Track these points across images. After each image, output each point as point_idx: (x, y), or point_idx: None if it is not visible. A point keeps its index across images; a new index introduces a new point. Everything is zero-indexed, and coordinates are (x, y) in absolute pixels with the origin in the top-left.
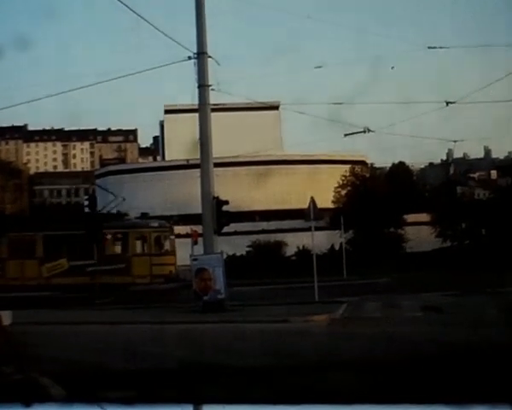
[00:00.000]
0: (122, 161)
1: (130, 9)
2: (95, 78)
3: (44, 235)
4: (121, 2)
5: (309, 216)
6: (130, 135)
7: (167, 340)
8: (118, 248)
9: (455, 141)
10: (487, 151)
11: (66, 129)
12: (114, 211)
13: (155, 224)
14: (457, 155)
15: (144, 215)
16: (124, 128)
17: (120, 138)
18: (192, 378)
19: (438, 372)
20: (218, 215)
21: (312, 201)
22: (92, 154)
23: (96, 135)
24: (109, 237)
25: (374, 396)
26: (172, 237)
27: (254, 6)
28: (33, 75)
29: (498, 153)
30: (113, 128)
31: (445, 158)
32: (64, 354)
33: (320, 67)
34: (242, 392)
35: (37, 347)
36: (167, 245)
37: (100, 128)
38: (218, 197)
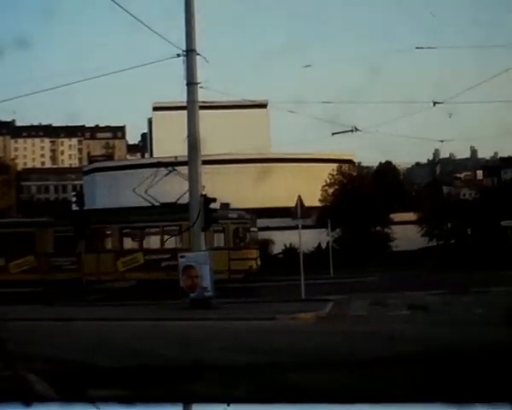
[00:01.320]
0: (110, 157)
1: (120, 6)
2: (83, 74)
3: (120, 228)
4: (111, 0)
5: (296, 214)
6: (118, 132)
7: (153, 337)
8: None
9: (441, 141)
10: (473, 151)
11: (54, 125)
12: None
13: (234, 215)
14: (444, 155)
15: (224, 206)
16: (112, 125)
17: (108, 135)
18: (178, 376)
19: (421, 371)
20: (206, 213)
21: (299, 199)
22: (80, 150)
23: (84, 131)
24: (184, 229)
25: (374, 396)
26: (254, 229)
27: (245, 5)
28: (21, 72)
29: (484, 153)
30: (101, 125)
31: (431, 158)
32: (50, 351)
33: (309, 66)
34: (228, 389)
35: (22, 344)
36: (248, 238)
37: (88, 125)
38: (205, 195)
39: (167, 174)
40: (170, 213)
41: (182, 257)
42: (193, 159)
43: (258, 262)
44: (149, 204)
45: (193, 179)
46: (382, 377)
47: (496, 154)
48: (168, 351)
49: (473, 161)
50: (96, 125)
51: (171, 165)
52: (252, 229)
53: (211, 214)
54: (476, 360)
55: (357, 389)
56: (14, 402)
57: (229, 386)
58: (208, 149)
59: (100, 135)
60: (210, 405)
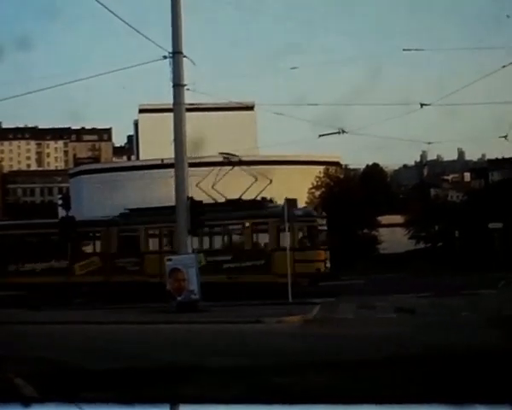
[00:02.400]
0: (96, 160)
1: (106, 8)
2: (69, 76)
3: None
4: (97, 2)
5: (283, 217)
6: (104, 134)
7: (140, 340)
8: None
9: (429, 143)
10: (461, 153)
11: (40, 127)
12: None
13: (299, 212)
14: (431, 157)
15: (291, 202)
16: (98, 127)
17: (95, 137)
18: (165, 378)
19: (406, 373)
20: (193, 215)
21: (287, 202)
22: (66, 153)
23: (70, 134)
24: (248, 227)
25: (374, 396)
26: (323, 227)
27: (230, 6)
28: (5, 74)
29: (472, 155)
30: (87, 127)
31: (418, 160)
32: (37, 353)
33: (295, 68)
34: (214, 392)
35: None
36: (315, 237)
37: (74, 127)
38: (192, 197)
39: (232, 169)
40: (233, 210)
41: (169, 260)
42: (179, 161)
43: (328, 264)
44: (213, 201)
45: (179, 182)
46: (366, 379)
47: (483, 156)
48: (154, 354)
49: (460, 163)
50: (82, 128)
51: (157, 167)
52: (320, 228)
53: (198, 217)
54: (461, 363)
55: (342, 391)
56: (13, 402)
57: (214, 388)
58: (195, 151)
59: (86, 137)
60: (197, 405)
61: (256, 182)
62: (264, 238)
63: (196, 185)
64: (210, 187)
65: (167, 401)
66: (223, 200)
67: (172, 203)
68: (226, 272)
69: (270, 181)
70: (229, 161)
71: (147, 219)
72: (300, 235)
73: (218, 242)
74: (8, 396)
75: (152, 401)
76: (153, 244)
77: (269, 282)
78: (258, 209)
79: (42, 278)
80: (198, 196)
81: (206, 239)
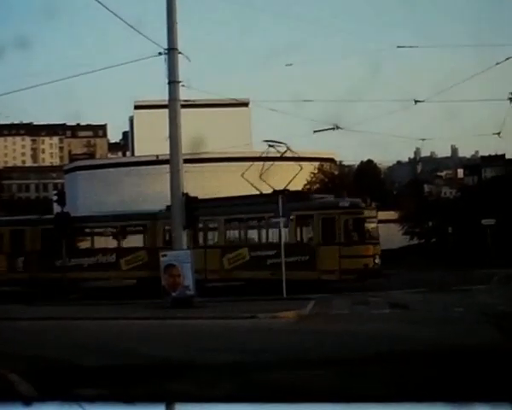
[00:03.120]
0: (91, 156)
1: (102, 4)
2: (65, 72)
3: (226, 219)
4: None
5: (278, 213)
6: (99, 130)
7: (135, 336)
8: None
9: (423, 139)
10: (454, 150)
11: (35, 123)
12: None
13: (346, 203)
14: (425, 153)
15: (341, 193)
16: (93, 123)
17: (90, 133)
18: (159, 374)
19: (398, 369)
20: (188, 211)
21: (282, 197)
22: (61, 149)
23: (65, 130)
24: (292, 220)
25: (374, 396)
26: (373, 219)
27: (226, 3)
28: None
29: (465, 152)
30: (82, 123)
31: (412, 156)
32: (31, 350)
33: (290, 64)
34: (208, 388)
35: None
36: (363, 231)
37: (69, 123)
38: (187, 193)
39: (280, 156)
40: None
41: (164, 256)
42: (174, 157)
43: (377, 260)
44: (257, 192)
45: (174, 178)
46: (358, 375)
47: (476, 153)
48: (148, 350)
49: (454, 160)
50: (77, 124)
51: (152, 163)
52: (368, 220)
53: (193, 213)
54: (452, 358)
55: (336, 387)
56: (13, 402)
57: (209, 385)
58: (190, 147)
59: (81, 133)
60: (193, 404)
61: (298, 171)
62: (308, 231)
63: (241, 176)
64: (258, 177)
65: (162, 400)
66: (269, 190)
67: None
68: (269, 268)
69: (301, 168)
70: (223, 157)
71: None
72: (346, 228)
73: (261, 236)
74: (7, 396)
75: (140, 399)
76: (198, 238)
77: (313, 279)
78: (302, 201)
79: (89, 274)
80: (243, 186)
81: (251, 233)
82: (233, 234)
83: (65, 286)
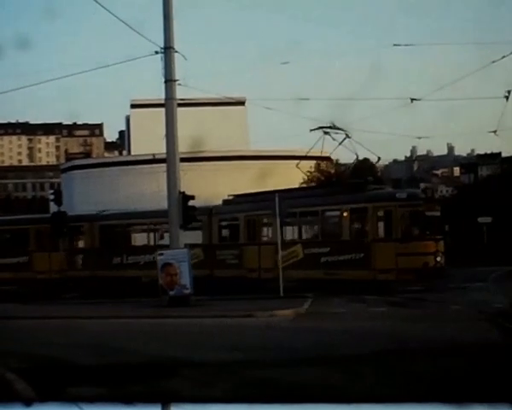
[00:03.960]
0: (88, 155)
1: (99, 4)
2: (61, 71)
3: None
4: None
5: (274, 212)
6: (95, 129)
7: (132, 335)
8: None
9: (419, 138)
10: (450, 148)
11: (32, 122)
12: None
13: (403, 194)
14: (421, 152)
15: (395, 182)
16: (90, 122)
17: (86, 132)
18: (154, 373)
19: (391, 367)
20: (184, 210)
21: (278, 197)
22: (58, 148)
23: (61, 129)
24: (346, 214)
25: (374, 396)
26: (434, 212)
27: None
28: None
29: (461, 150)
30: (78, 122)
31: (409, 155)
32: (27, 348)
33: (287, 62)
34: (204, 387)
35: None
36: (423, 225)
37: (65, 122)
38: (184, 192)
39: (342, 141)
40: (330, 194)
41: (160, 254)
42: (171, 156)
43: (439, 258)
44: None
45: (171, 176)
46: (352, 373)
47: (473, 151)
48: (145, 348)
49: (450, 158)
50: (74, 123)
51: (149, 162)
52: (429, 213)
53: (189, 211)
54: (443, 357)
55: (331, 384)
56: (13, 402)
57: (205, 383)
58: (187, 146)
59: (77, 132)
60: (188, 405)
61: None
62: (362, 226)
63: (296, 166)
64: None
65: (158, 400)
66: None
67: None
68: (323, 267)
69: (379, 158)
70: (219, 156)
71: (247, 206)
72: (404, 222)
73: (314, 232)
74: (7, 396)
75: (136, 398)
76: (252, 234)
77: (368, 279)
78: (357, 192)
79: (145, 272)
80: (241, 184)
81: (304, 229)
82: (287, 230)
83: (123, 285)
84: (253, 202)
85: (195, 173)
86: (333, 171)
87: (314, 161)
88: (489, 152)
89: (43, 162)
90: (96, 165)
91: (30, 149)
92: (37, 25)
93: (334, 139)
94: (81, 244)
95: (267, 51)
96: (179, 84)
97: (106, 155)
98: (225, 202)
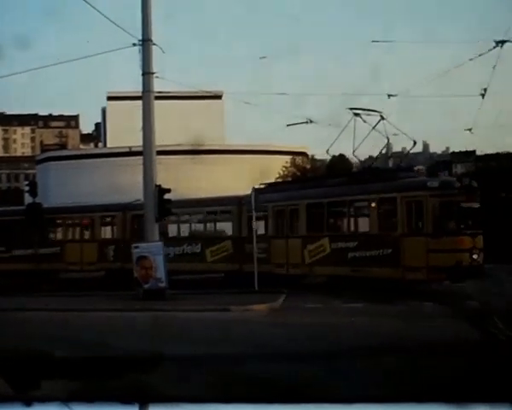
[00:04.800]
0: (63, 146)
1: None
2: (38, 62)
3: (308, 204)
4: None
5: (251, 206)
6: (71, 121)
7: (105, 328)
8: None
9: (394, 134)
10: (425, 146)
11: (7, 113)
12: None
13: (435, 183)
14: (396, 148)
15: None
16: (65, 114)
17: (62, 124)
18: (128, 367)
19: (359, 364)
20: (160, 203)
21: (254, 191)
22: (33, 139)
23: (37, 120)
24: (373, 204)
25: (374, 396)
26: (472, 204)
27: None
28: None
29: (436, 148)
30: (54, 113)
31: (384, 151)
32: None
33: (264, 57)
34: (180, 379)
35: None
36: (457, 218)
37: (41, 113)
38: (160, 185)
39: (377, 124)
40: (358, 182)
41: (136, 247)
42: (147, 149)
43: (476, 256)
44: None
45: (147, 170)
46: (323, 368)
47: (447, 149)
48: (118, 342)
49: (425, 156)
50: (50, 114)
51: (125, 155)
52: (465, 204)
53: (165, 205)
54: (396, 354)
55: (301, 379)
56: (13, 402)
57: (180, 378)
58: (162, 139)
59: (53, 124)
60: (166, 404)
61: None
62: (390, 218)
63: (326, 152)
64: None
65: (135, 398)
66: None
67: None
68: (350, 264)
69: (415, 143)
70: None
71: (276, 195)
72: (436, 214)
73: (342, 224)
74: (7, 396)
75: (105, 393)
76: (280, 227)
77: (396, 278)
78: (386, 180)
79: (174, 265)
80: (218, 178)
81: (331, 221)
82: (314, 222)
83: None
84: (283, 191)
85: (172, 166)
86: (308, 166)
87: (290, 156)
88: (463, 150)
89: (19, 153)
90: (71, 157)
91: (5, 139)
92: (10, 13)
93: (364, 121)
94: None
95: (245, 45)
96: (157, 77)
97: (81, 147)
98: (256, 191)
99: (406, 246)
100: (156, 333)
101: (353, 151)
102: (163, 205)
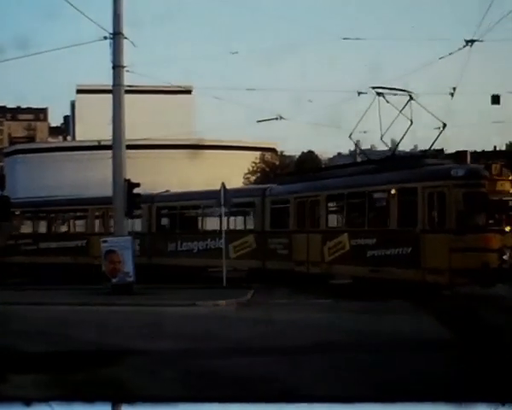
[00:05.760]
0: (32, 139)
1: None
2: (7, 53)
3: (328, 196)
4: None
5: (219, 201)
6: (40, 113)
7: (74, 322)
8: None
9: (364, 132)
10: (393, 143)
11: None
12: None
13: (460, 171)
14: (365, 146)
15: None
16: (34, 106)
17: (30, 117)
18: (95, 361)
19: (322, 360)
20: (129, 198)
21: (223, 186)
22: (1, 131)
23: (5, 112)
24: (393, 196)
25: (374, 396)
26: (503, 195)
27: None
28: None
29: (405, 146)
30: (23, 106)
31: (353, 149)
32: None
33: (236, 53)
34: (148, 374)
35: None
36: (485, 212)
37: (9, 106)
38: (129, 180)
39: (406, 104)
40: (378, 170)
41: (104, 242)
42: (117, 143)
43: (506, 256)
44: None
45: (117, 164)
46: (287, 363)
47: (415, 147)
48: (86, 336)
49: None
50: (18, 107)
51: (94, 148)
52: (495, 196)
53: (134, 199)
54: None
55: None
56: (13, 402)
57: (148, 372)
58: (131, 133)
59: (21, 116)
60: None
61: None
62: (408, 212)
63: (349, 137)
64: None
65: (109, 398)
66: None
67: None
68: (370, 263)
69: (444, 125)
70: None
71: (300, 186)
72: (460, 208)
73: (361, 218)
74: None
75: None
76: (301, 220)
77: (416, 280)
78: (408, 168)
79: (198, 260)
80: (187, 172)
81: (352, 214)
82: (334, 215)
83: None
84: (305, 180)
85: (140, 161)
86: (277, 162)
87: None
88: (432, 149)
89: None
90: (39, 150)
91: None
92: None
93: (387, 102)
94: (137, 228)
95: (217, 40)
96: (127, 71)
97: (50, 140)
98: (280, 180)
99: (427, 244)
100: (116, 327)
101: (381, 136)
102: (132, 199)
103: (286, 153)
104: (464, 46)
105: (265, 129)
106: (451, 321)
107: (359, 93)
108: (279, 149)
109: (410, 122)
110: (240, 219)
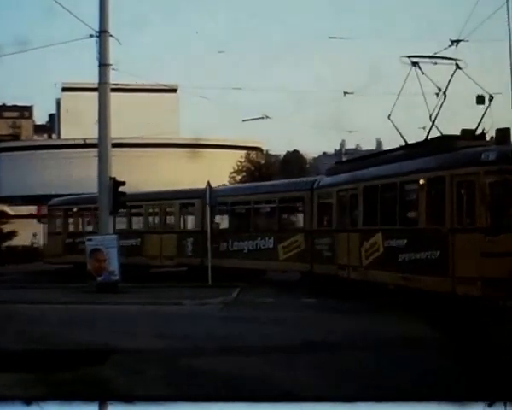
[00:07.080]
0: (16, 137)
1: None
2: None
3: (365, 188)
4: None
5: (205, 200)
6: (25, 111)
7: (57, 320)
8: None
9: (350, 131)
10: (379, 143)
11: None
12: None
13: (492, 155)
14: (350, 145)
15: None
16: (19, 104)
17: (15, 114)
18: (81, 359)
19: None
20: (115, 196)
21: (209, 185)
22: None
23: None
24: (422, 188)
25: (374, 396)
26: None
27: None
28: None
29: (389, 144)
30: (8, 103)
31: (338, 148)
32: None
33: (222, 51)
34: (133, 373)
35: None
36: None
37: None
38: (114, 178)
39: (453, 74)
40: (405, 157)
41: (89, 240)
42: (103, 141)
43: None
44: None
45: (102, 162)
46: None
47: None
48: (72, 334)
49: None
50: (3, 104)
51: (79, 147)
52: None
53: (120, 197)
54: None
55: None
56: (13, 402)
57: (133, 371)
58: (116, 131)
59: (6, 114)
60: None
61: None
62: (434, 207)
63: (388, 117)
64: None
65: (96, 398)
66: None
67: None
68: (401, 269)
69: (492, 97)
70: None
71: (342, 177)
72: (493, 200)
73: (392, 215)
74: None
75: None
76: (343, 217)
77: (444, 292)
78: (439, 153)
79: (247, 262)
80: (172, 171)
81: (385, 210)
82: (370, 211)
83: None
84: (350, 170)
85: (126, 159)
86: (263, 161)
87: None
88: None
89: None
90: (24, 147)
91: None
92: None
93: (423, 73)
94: (190, 225)
95: (203, 39)
96: (113, 69)
97: (35, 137)
98: (329, 171)
99: (456, 246)
100: (99, 326)
101: (433, 120)
102: (117, 198)
103: (271, 152)
104: (450, 46)
105: (252, 129)
106: None
107: (345, 93)
108: (264, 148)
109: (443, 97)
110: (290, 216)
